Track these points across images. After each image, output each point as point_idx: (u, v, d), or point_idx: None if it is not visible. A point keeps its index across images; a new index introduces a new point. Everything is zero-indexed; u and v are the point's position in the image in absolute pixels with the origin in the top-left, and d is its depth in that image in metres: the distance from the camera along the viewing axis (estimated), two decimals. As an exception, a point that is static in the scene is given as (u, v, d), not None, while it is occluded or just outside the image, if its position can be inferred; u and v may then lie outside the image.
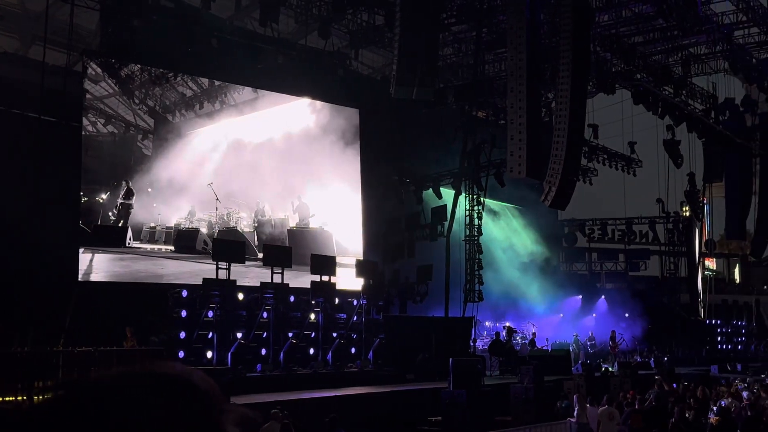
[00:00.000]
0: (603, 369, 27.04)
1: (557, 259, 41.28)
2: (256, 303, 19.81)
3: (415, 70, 21.36)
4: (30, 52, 24.01)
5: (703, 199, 41.86)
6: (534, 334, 29.76)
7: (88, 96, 21.70)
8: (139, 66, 22.90)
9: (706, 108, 35.79)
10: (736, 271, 64.57)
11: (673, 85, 32.00)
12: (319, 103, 26.84)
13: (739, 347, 41.65)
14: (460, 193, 28.72)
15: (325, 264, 21.61)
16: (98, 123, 22.13)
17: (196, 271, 21.66)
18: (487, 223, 31.89)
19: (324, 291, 21.18)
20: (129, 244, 21.68)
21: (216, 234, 23.27)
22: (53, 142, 19.73)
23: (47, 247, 18.47)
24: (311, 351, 20.95)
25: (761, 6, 30.70)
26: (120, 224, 21.67)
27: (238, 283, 19.57)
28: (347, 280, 23.23)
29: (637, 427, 15.43)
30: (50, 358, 15.19)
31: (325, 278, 21.23)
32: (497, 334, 27.37)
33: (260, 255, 22.78)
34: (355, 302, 22.18)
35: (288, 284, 20.46)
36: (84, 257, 20.62)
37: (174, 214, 23.09)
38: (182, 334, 18.24)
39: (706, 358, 35.88)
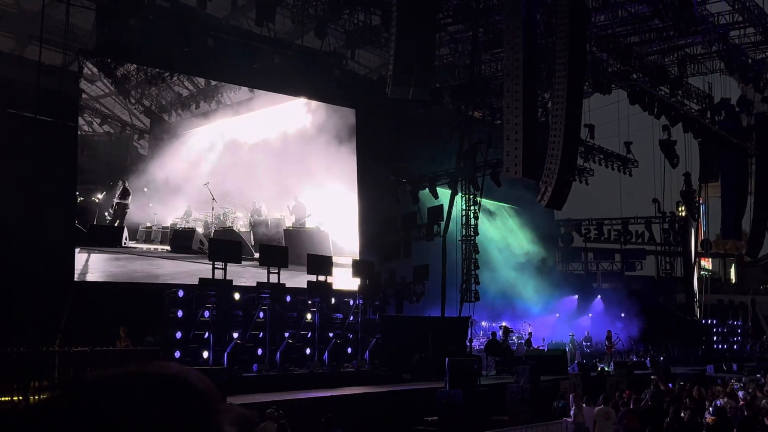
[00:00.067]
0: (599, 369, 27.06)
1: (553, 258, 41.26)
2: (253, 303, 19.77)
3: (411, 70, 21.39)
4: (26, 51, 23.94)
5: (699, 199, 41.94)
6: (530, 334, 29.76)
7: (84, 96, 21.65)
8: (135, 66, 22.87)
9: (702, 108, 35.90)
10: (732, 271, 64.74)
11: (669, 86, 32.08)
12: (315, 103, 26.81)
13: (735, 347, 41.67)
14: (457, 193, 28.72)
15: (322, 264, 21.59)
16: (94, 123, 22.08)
17: (192, 271, 21.63)
18: (484, 223, 31.98)
19: (320, 291, 21.15)
20: (125, 244, 21.67)
21: (212, 234, 23.24)
22: (49, 142, 19.70)
23: (43, 246, 18.45)
24: (307, 351, 20.92)
25: (757, 6, 30.76)
26: (116, 224, 21.65)
27: (234, 283, 19.52)
28: (344, 280, 23.22)
29: (632, 426, 15.43)
30: (46, 358, 15.18)
31: (321, 278, 21.19)
32: (493, 334, 27.38)
33: (256, 255, 22.75)
34: (351, 302, 22.14)
35: (284, 284, 20.42)
36: (80, 257, 20.57)
37: (170, 214, 23.06)
38: (178, 334, 18.19)
39: (702, 358, 35.90)
